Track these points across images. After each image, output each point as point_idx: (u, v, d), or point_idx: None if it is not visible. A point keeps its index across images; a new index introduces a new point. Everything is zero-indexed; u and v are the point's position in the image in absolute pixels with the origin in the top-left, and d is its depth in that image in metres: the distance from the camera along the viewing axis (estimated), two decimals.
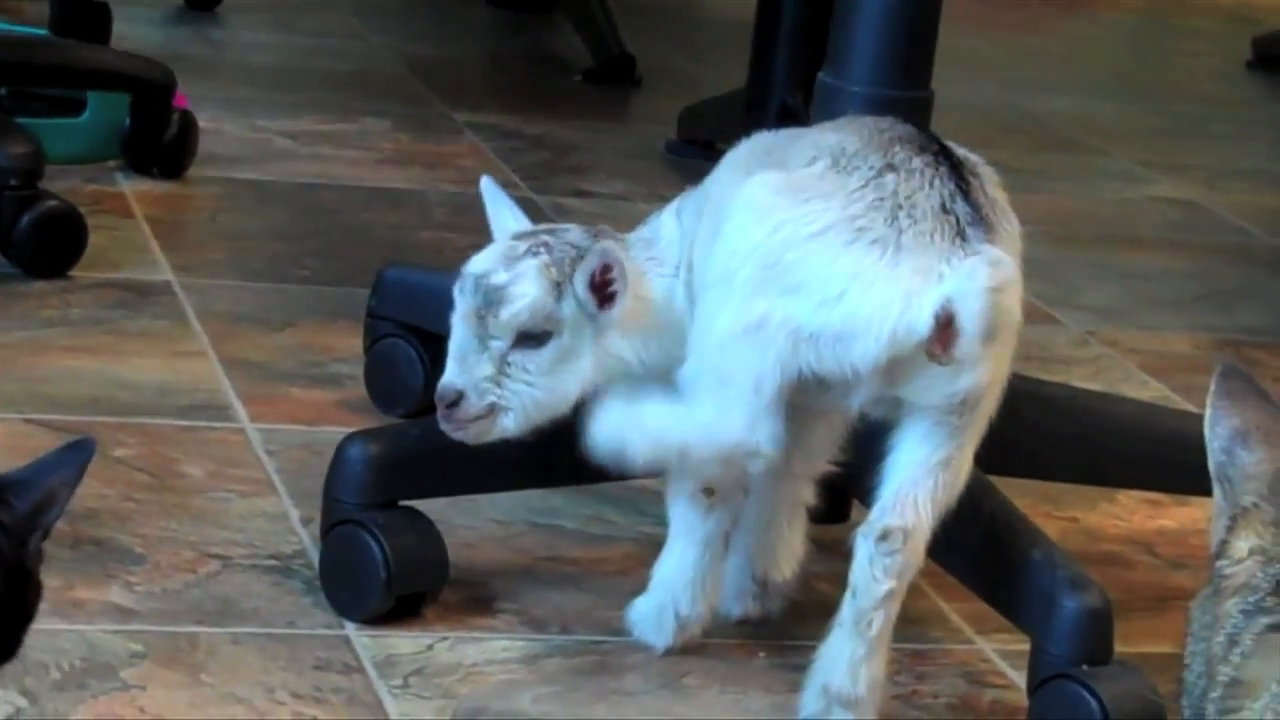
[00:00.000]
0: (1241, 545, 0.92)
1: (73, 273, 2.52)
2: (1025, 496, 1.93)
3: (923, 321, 1.64)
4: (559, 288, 1.75)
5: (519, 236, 1.82)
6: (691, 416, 1.74)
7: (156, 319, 2.44)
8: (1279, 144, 3.97)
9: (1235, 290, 3.04)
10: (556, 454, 1.88)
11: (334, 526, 1.88)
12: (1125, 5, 5.03)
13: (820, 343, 1.68)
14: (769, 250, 1.66)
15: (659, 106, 3.47)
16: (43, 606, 1.75)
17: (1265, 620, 0.89)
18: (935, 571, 1.93)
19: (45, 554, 1.35)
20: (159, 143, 2.94)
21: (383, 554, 1.85)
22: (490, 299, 1.72)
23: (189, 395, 2.25)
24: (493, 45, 3.97)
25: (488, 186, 1.90)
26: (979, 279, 1.63)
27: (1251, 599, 0.91)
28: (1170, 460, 2.11)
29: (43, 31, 3.35)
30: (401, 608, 1.86)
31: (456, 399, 1.71)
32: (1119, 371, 2.60)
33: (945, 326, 1.64)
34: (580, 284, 1.75)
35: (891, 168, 1.70)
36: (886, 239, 1.67)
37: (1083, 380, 2.33)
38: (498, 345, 1.72)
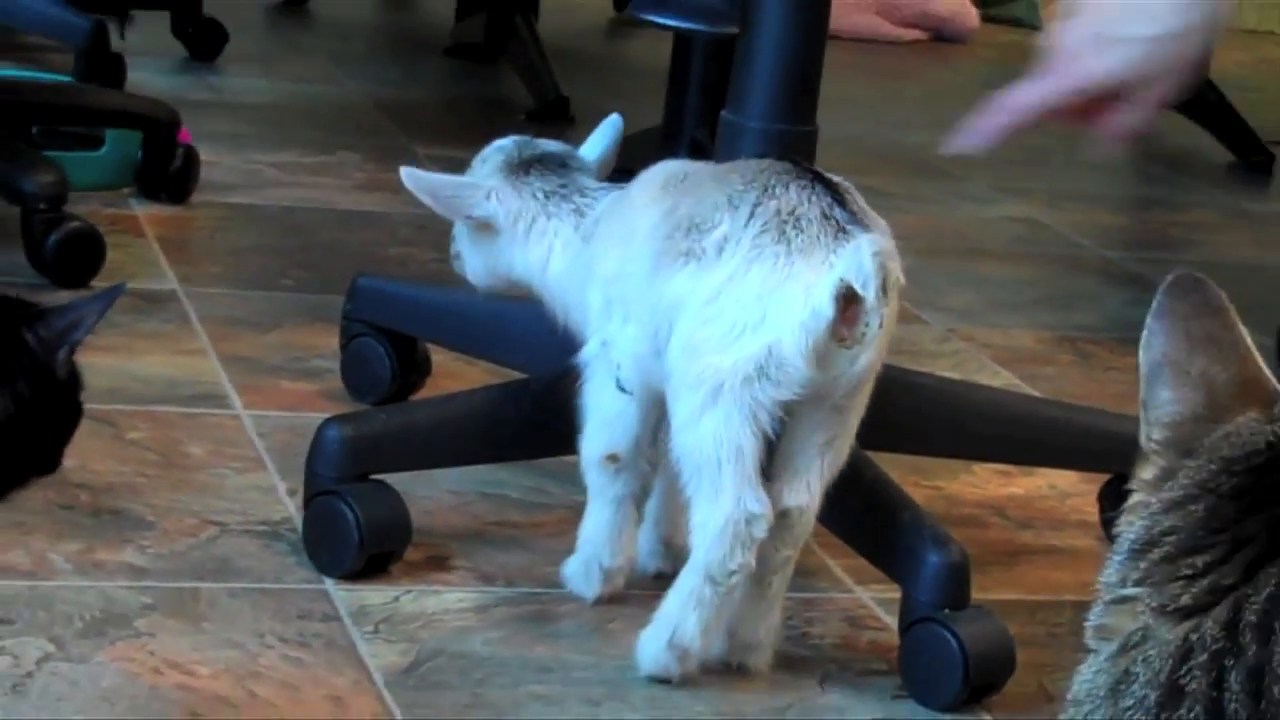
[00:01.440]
0: (1133, 488, 0.90)
1: (93, 283, 2.50)
2: (897, 469, 1.92)
3: (825, 304, 1.61)
4: None
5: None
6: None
7: (164, 322, 2.42)
8: (1104, 172, 3.98)
9: (1070, 294, 3.05)
10: (503, 434, 1.88)
11: (315, 497, 1.87)
12: (979, 55, 5.04)
13: (768, 371, 1.66)
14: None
15: (584, 138, 3.45)
16: (67, 566, 1.76)
17: (1119, 589, 0.88)
18: (822, 532, 1.93)
19: (81, 378, 1.39)
20: (166, 173, 2.92)
21: (355, 520, 1.84)
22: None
23: (192, 386, 2.24)
24: (449, 90, 3.96)
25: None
26: (864, 250, 1.62)
27: (1118, 556, 0.89)
28: (1017, 438, 2.12)
29: (67, 78, 3.33)
30: (372, 566, 1.85)
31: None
32: (975, 363, 2.60)
33: (846, 305, 1.62)
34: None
35: (773, 195, 1.69)
36: (779, 252, 1.66)
37: (945, 370, 2.33)
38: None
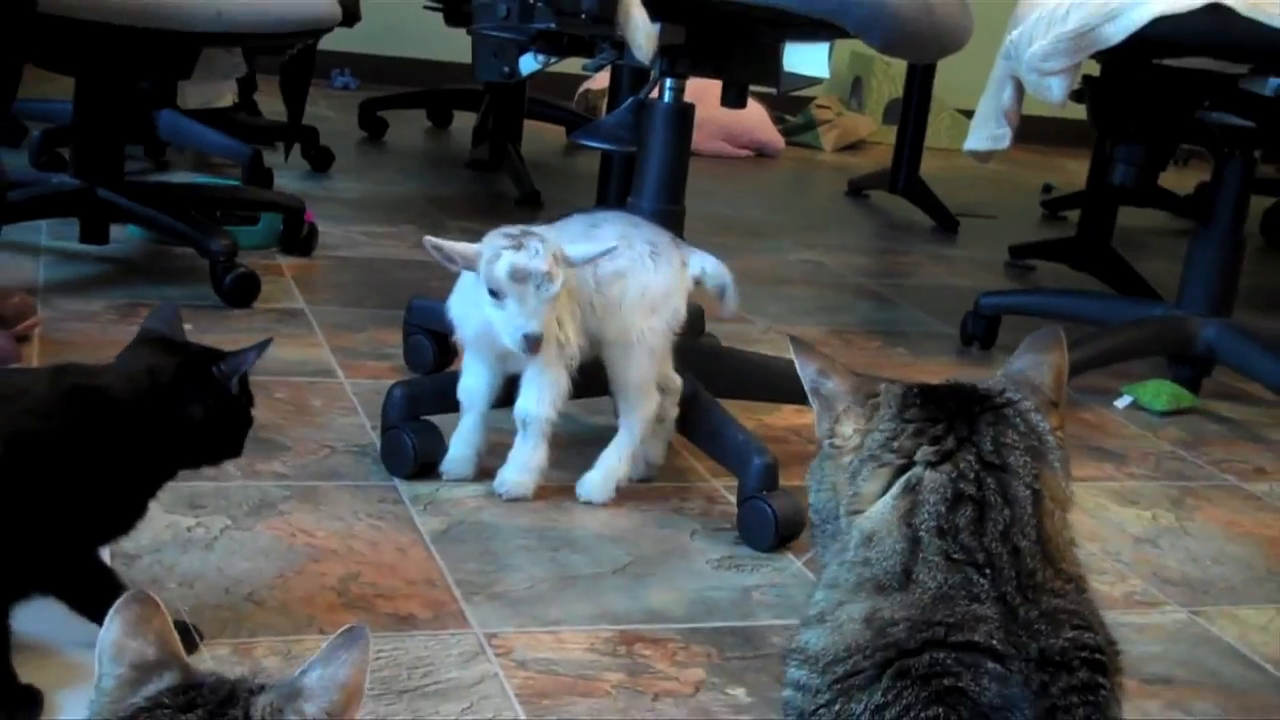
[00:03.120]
0: (847, 429, 0.90)
1: (254, 305, 2.48)
2: (736, 408, 1.92)
3: (689, 283, 1.81)
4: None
5: (509, 237, 1.70)
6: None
7: (297, 327, 2.39)
8: (861, 233, 3.98)
9: (837, 306, 3.05)
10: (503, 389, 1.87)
11: (387, 430, 1.86)
12: (783, 164, 5.05)
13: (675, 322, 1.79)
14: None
15: (554, 215, 3.43)
16: (236, 471, 1.74)
17: (873, 463, 0.87)
18: (690, 445, 1.93)
19: (251, 396, 1.38)
20: (298, 238, 2.89)
21: (411, 444, 1.82)
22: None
23: (314, 365, 2.21)
24: (469, 187, 3.92)
25: (428, 241, 1.70)
26: (708, 255, 1.83)
27: (863, 454, 0.88)
28: (802, 388, 2.12)
29: (237, 183, 3.30)
30: (422, 471, 1.83)
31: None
32: (782, 346, 2.60)
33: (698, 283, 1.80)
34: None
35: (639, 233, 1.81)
36: (654, 260, 1.78)
37: (765, 350, 2.32)
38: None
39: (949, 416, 0.83)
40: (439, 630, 1.47)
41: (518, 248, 1.66)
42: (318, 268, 2.84)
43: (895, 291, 3.26)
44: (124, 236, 2.83)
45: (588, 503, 1.80)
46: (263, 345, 1.35)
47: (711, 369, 1.99)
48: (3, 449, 1.19)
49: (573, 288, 1.72)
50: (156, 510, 1.38)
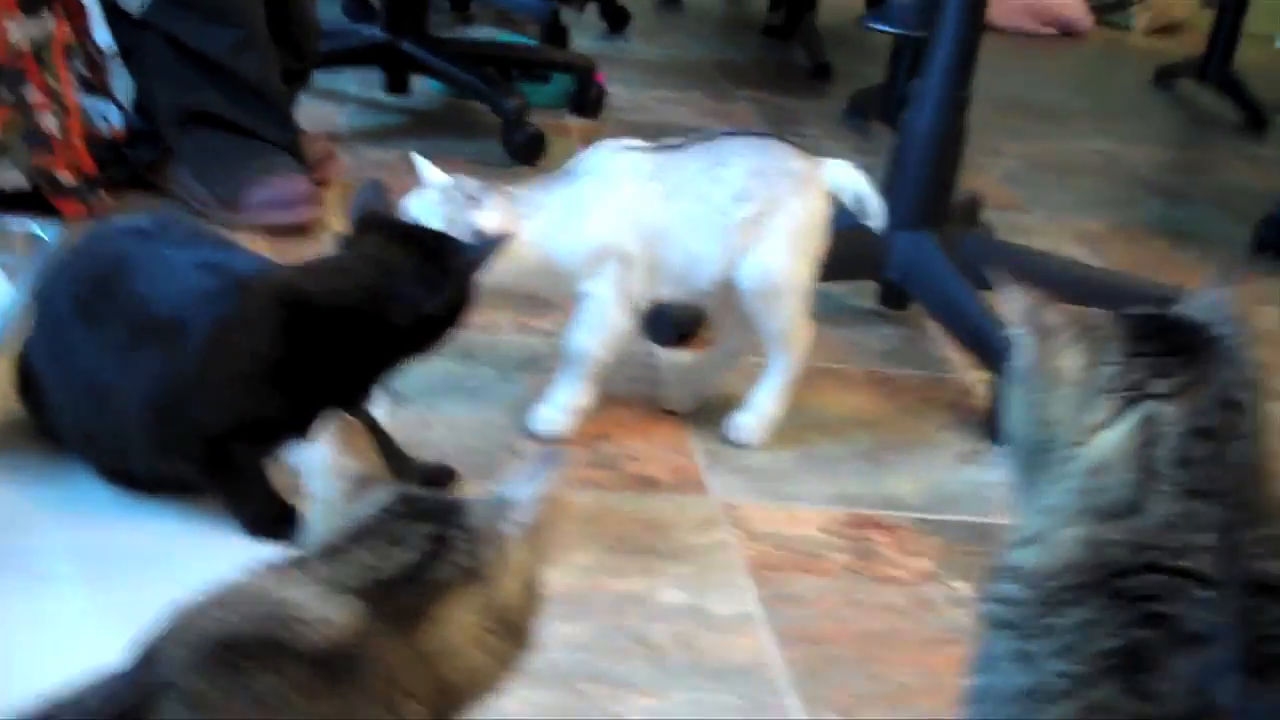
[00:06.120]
0: (1068, 361, 0.86)
1: (538, 163, 2.55)
2: None
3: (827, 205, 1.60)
4: (452, 222, 1.46)
5: (443, 187, 1.52)
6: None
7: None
8: (1163, 125, 3.78)
9: (1126, 200, 2.94)
10: None
11: None
12: (1091, 45, 4.81)
13: None
14: None
15: (841, 91, 3.41)
16: (508, 326, 1.81)
17: (1101, 395, 0.84)
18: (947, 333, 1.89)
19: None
20: (587, 99, 2.96)
21: (670, 312, 1.85)
22: None
23: None
24: (760, 55, 3.92)
25: (416, 158, 1.57)
26: (841, 163, 1.61)
27: (1090, 386, 0.85)
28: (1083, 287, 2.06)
29: (535, 41, 3.38)
30: (680, 340, 1.87)
31: None
32: (1060, 239, 2.53)
33: None
34: (468, 231, 1.45)
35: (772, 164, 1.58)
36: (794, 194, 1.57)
37: (1040, 243, 2.25)
38: None
39: (1181, 349, 0.83)
40: (680, 495, 1.52)
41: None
42: (604, 130, 2.90)
43: (1191, 188, 3.12)
44: (424, 89, 2.94)
45: (737, 444, 1.64)
46: (496, 242, 1.35)
47: (979, 261, 1.96)
48: (280, 314, 1.28)
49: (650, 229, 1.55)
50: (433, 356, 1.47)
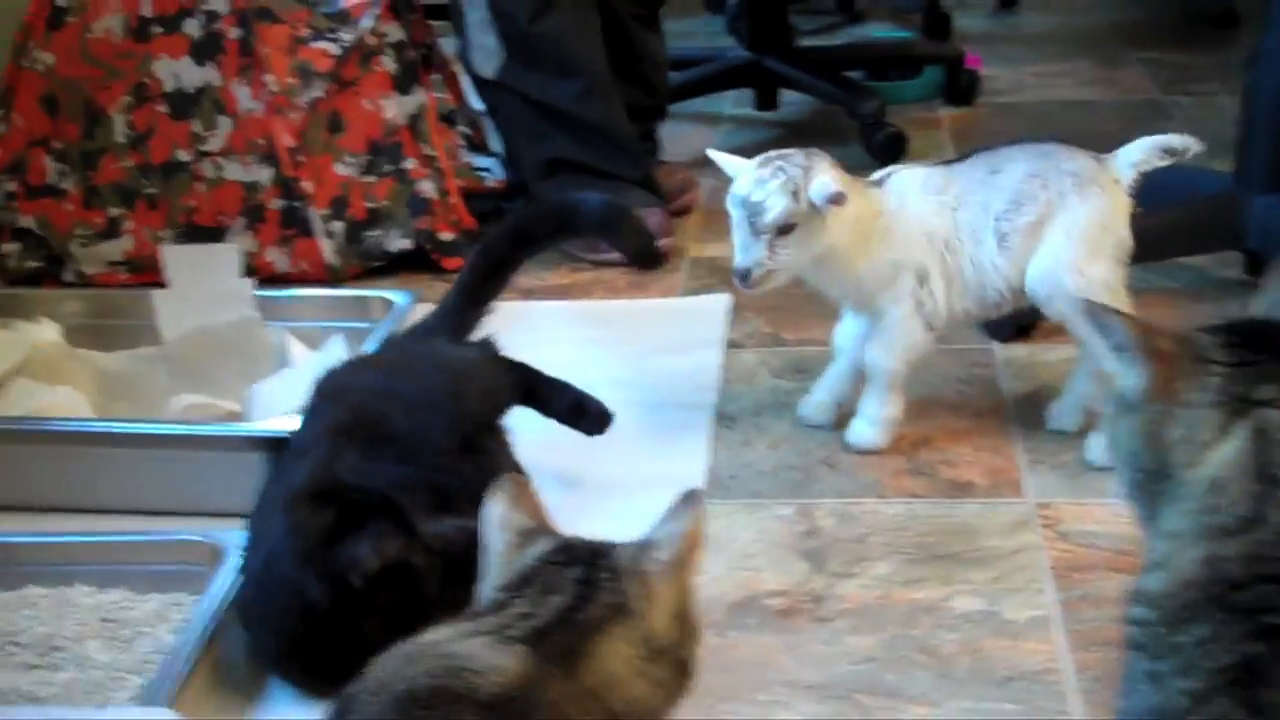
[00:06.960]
0: (1175, 384, 0.84)
1: (901, 161, 2.53)
2: None
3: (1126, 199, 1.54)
4: (796, 196, 1.47)
5: (761, 164, 1.50)
6: None
7: None
8: None
9: None
10: None
11: None
12: None
13: None
14: None
15: (1250, 39, 3.18)
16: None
17: (1211, 412, 0.83)
18: None
19: None
20: (958, 87, 2.93)
21: None
22: (755, 210, 1.48)
23: None
24: (1160, 11, 3.70)
25: (713, 153, 1.58)
26: (1132, 146, 1.56)
27: (1197, 405, 0.83)
28: None
29: (909, 34, 3.37)
30: (1018, 333, 1.85)
31: (746, 274, 1.49)
32: None
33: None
34: (817, 195, 1.47)
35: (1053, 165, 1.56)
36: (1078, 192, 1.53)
37: None
38: (765, 237, 1.47)
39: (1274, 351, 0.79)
40: (993, 498, 1.52)
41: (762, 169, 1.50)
42: (976, 117, 2.87)
43: None
44: (796, 99, 3.01)
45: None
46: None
47: None
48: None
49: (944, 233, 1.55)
50: (764, 373, 1.54)
